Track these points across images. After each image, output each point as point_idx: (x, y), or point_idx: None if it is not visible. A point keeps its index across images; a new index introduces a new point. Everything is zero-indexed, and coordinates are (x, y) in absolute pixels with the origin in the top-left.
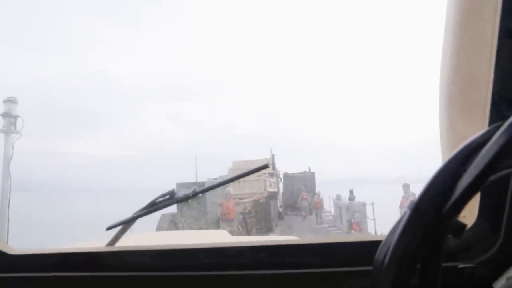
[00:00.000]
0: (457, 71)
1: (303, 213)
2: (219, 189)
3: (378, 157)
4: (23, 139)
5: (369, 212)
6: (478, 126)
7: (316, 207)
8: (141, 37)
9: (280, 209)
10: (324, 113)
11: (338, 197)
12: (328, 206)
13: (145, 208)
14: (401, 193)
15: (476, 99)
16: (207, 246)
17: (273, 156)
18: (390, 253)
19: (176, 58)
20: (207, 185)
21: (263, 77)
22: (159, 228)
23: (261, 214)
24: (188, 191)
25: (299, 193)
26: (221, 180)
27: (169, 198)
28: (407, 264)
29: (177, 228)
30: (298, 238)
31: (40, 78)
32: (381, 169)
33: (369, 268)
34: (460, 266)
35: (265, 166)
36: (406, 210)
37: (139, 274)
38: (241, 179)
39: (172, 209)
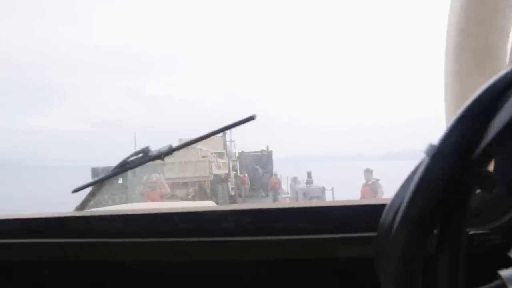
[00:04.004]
0: (471, 9)
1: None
2: (143, 176)
3: (337, 135)
4: None
5: (328, 197)
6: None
7: (274, 188)
8: (95, 6)
9: (232, 193)
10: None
11: (294, 180)
12: (286, 187)
13: (116, 167)
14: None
15: (492, 46)
16: (183, 211)
17: (224, 133)
18: (402, 212)
19: (133, 30)
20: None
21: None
22: None
23: (206, 200)
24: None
25: (255, 173)
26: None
27: (142, 157)
28: (423, 226)
29: None
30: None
31: None
32: (341, 147)
33: (371, 234)
34: (471, 232)
35: (250, 118)
36: (423, 157)
37: (108, 241)
38: (183, 160)
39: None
